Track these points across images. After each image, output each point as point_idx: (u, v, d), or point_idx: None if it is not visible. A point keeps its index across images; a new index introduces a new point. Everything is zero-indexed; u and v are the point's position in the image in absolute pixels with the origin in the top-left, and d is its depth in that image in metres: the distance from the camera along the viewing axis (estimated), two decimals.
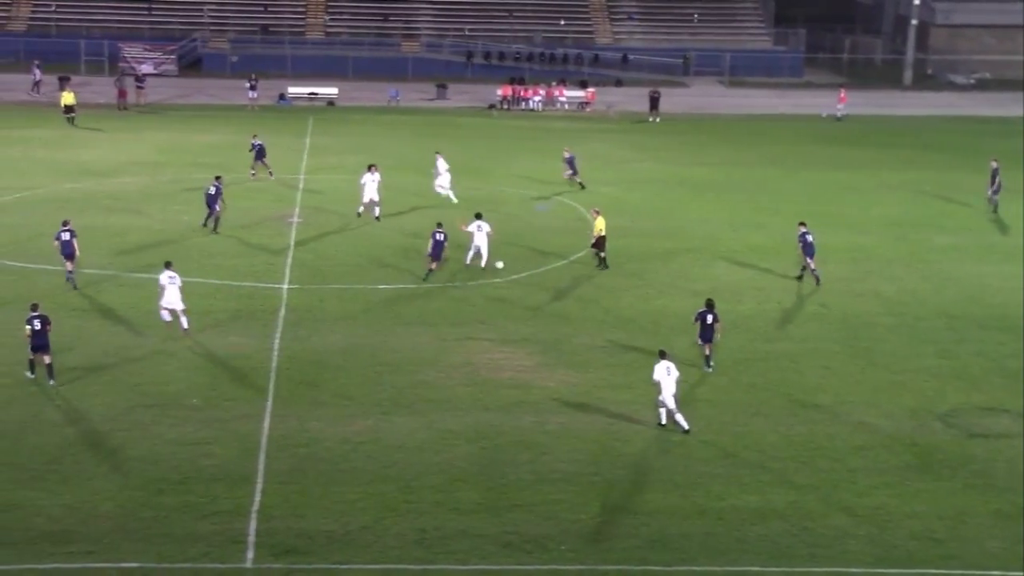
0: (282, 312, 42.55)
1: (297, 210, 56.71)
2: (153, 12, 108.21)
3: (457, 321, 42.23)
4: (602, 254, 48.73)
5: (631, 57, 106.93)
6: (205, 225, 52.55)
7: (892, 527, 29.03)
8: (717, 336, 38.35)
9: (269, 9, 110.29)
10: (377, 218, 55.13)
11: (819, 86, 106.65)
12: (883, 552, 27.96)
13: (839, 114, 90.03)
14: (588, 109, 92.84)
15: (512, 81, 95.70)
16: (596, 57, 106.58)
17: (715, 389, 36.95)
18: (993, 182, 60.13)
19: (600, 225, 48.46)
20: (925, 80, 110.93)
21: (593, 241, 48.84)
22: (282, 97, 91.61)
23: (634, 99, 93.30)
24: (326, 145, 73.38)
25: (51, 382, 35.43)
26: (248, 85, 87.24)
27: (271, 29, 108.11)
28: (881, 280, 48.48)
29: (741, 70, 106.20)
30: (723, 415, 35.02)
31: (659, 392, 33.69)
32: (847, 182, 67.43)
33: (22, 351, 37.09)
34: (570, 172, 63.23)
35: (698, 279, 47.86)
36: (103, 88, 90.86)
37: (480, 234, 47.83)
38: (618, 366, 38.60)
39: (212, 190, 52.31)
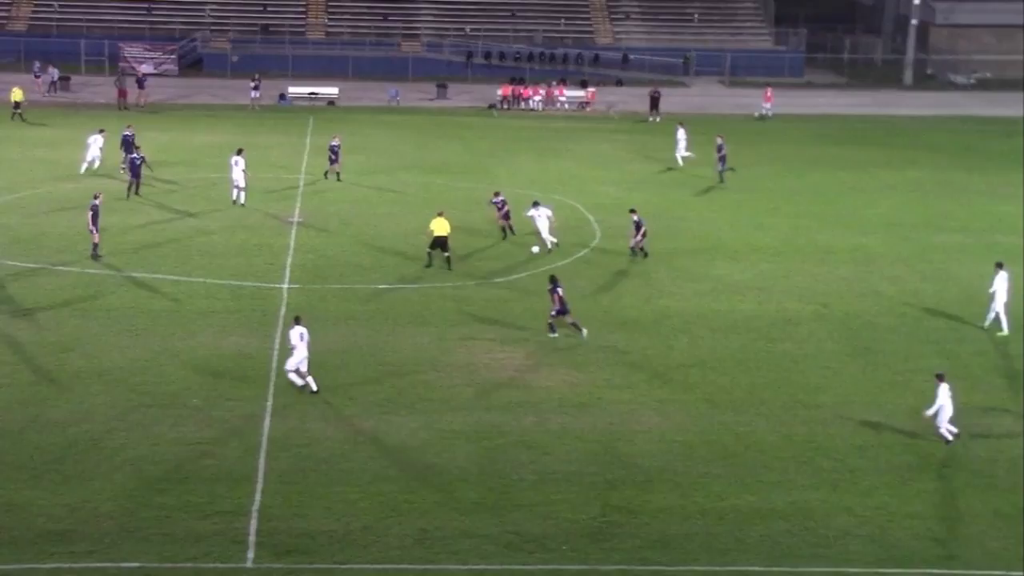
0: (283, 312, 42.52)
1: (298, 210, 56.68)
2: (153, 12, 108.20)
3: (458, 321, 42.21)
4: (446, 254, 47.80)
5: (631, 57, 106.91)
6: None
7: (893, 527, 29.03)
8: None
9: (269, 9, 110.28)
10: (242, 204, 57.01)
11: (820, 86, 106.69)
12: (884, 552, 27.96)
13: (768, 113, 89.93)
14: (588, 109, 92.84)
15: (512, 81, 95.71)
16: (596, 57, 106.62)
17: (716, 389, 36.95)
18: None
19: (439, 226, 47.58)
20: (925, 80, 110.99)
21: (431, 241, 47.72)
22: (282, 97, 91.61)
23: (635, 99, 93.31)
24: (327, 145, 73.23)
25: None
26: (252, 85, 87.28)
27: (272, 29, 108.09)
28: (882, 280, 48.48)
29: (742, 70, 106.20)
30: (724, 415, 35.02)
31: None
32: (848, 181, 67.46)
33: (23, 352, 37.21)
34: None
35: (699, 279, 47.86)
36: (103, 88, 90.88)
37: (541, 219, 49.46)
38: (619, 366, 38.59)
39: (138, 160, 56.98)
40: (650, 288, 46.74)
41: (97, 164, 63.02)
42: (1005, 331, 42.19)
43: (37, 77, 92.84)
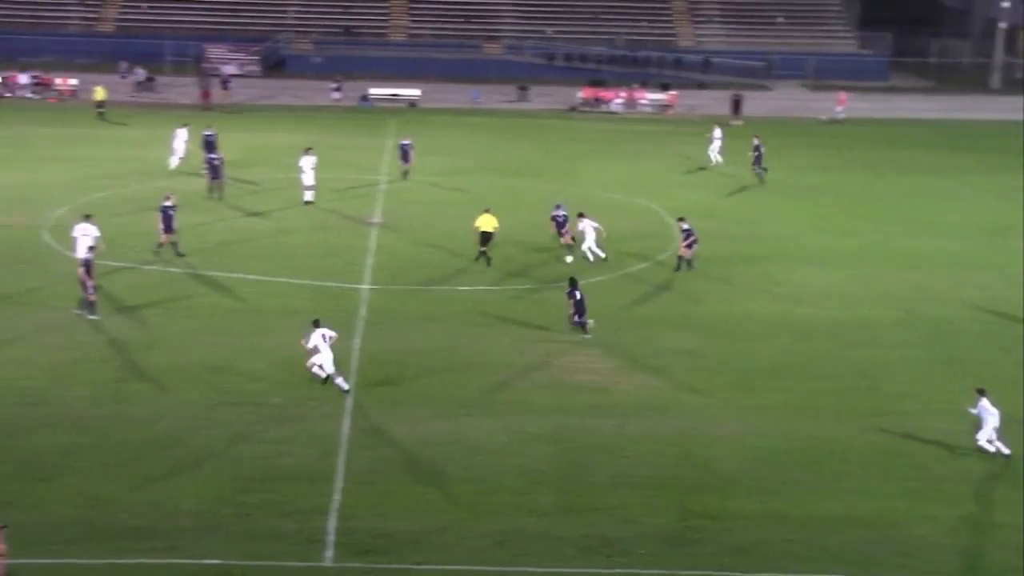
0: (362, 312, 42.68)
1: (378, 211, 56.86)
2: (238, 14, 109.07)
3: (537, 323, 42.13)
4: (482, 249, 48.76)
5: (713, 60, 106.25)
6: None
7: (979, 537, 28.60)
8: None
9: (352, 11, 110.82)
10: (310, 202, 57.47)
11: (905, 90, 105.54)
12: (968, 562, 27.59)
13: (840, 116, 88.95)
14: (669, 112, 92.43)
15: (593, 84, 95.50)
16: (678, 60, 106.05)
17: (797, 394, 36.61)
18: None
19: (486, 222, 48.89)
20: (1014, 84, 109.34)
21: (480, 238, 48.89)
22: (364, 98, 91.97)
23: (716, 102, 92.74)
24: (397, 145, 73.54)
25: None
26: (333, 87, 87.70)
27: (354, 31, 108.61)
28: (968, 286, 47.80)
29: (825, 73, 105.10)
30: (805, 421, 34.69)
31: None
32: (933, 186, 66.69)
33: (109, 349, 37.67)
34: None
35: (782, 283, 47.49)
36: (187, 89, 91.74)
37: (589, 231, 48.77)
38: (699, 370, 38.35)
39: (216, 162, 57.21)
40: (730, 292, 46.42)
41: (179, 160, 63.60)
42: None
43: (123, 77, 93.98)
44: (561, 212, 49.96)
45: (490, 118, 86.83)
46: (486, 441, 32.74)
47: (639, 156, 73.52)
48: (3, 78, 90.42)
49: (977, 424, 32.59)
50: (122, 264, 46.67)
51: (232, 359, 37.91)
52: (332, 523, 28.30)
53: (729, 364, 39.01)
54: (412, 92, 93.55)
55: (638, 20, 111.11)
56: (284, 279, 45.93)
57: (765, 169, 65.80)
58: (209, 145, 62.39)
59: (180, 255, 47.61)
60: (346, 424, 33.49)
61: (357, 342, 39.62)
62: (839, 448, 33.01)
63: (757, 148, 65.90)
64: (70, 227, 46.16)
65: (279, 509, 28.87)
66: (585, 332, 40.71)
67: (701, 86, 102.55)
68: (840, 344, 41.02)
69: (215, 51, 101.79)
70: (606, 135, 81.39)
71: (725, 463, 32.00)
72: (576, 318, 40.84)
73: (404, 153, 63.83)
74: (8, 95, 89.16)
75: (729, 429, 34.01)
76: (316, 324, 36.07)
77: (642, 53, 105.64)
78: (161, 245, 47.67)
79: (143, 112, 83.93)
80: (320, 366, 35.63)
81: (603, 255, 48.98)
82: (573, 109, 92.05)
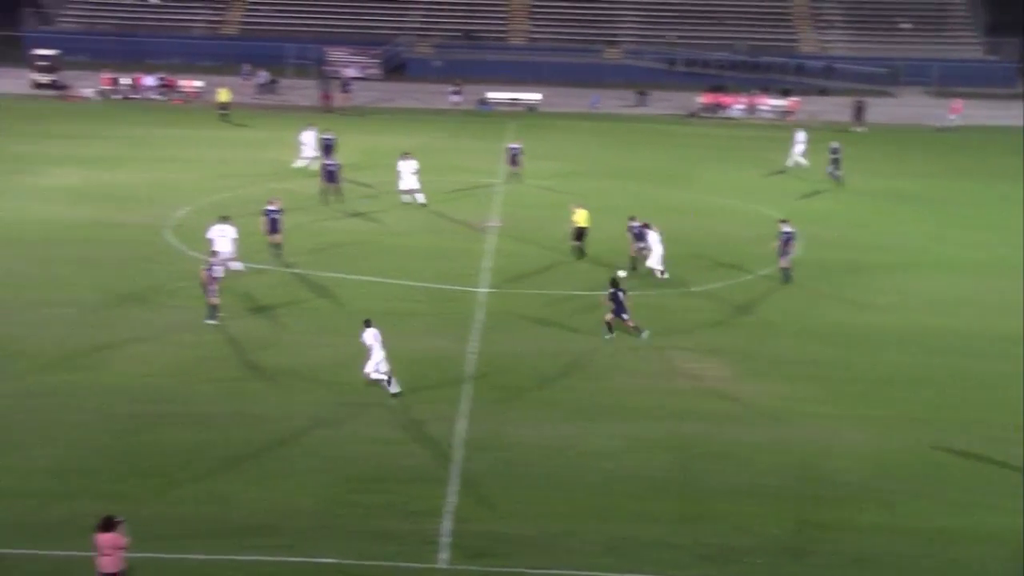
0: (480, 316, 42.71)
1: (495, 215, 56.90)
2: (360, 17, 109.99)
3: (656, 329, 41.84)
4: (576, 243, 50.09)
5: (835, 66, 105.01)
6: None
7: None
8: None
9: (473, 15, 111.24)
10: (422, 203, 57.57)
11: None
12: None
13: (953, 124, 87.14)
14: (790, 118, 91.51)
15: (713, 89, 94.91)
16: (800, 65, 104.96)
17: (923, 407, 35.94)
18: None
19: (580, 217, 50.18)
20: None
21: (574, 234, 50.31)
22: (483, 102, 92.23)
23: (838, 109, 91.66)
24: (526, 150, 73.46)
25: None
26: (452, 90, 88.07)
27: (474, 35, 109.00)
28: None
29: (950, 80, 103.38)
30: (930, 434, 33.99)
31: None
32: None
33: (230, 348, 38.15)
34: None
35: (906, 293, 46.74)
36: (309, 91, 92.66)
37: (656, 244, 47.67)
38: (821, 379, 37.82)
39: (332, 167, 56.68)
40: (855, 301, 45.75)
41: (308, 164, 64.18)
42: None
43: (246, 80, 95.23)
44: (636, 225, 48.55)
45: (609, 123, 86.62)
46: (603, 446, 32.55)
47: (757, 162, 72.81)
48: (130, 80, 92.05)
49: None
50: (244, 265, 47.10)
51: (349, 360, 38.05)
52: (447, 525, 28.29)
53: (851, 374, 38.41)
54: (532, 96, 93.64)
55: (760, 25, 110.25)
56: (400, 282, 46.13)
57: (840, 174, 65.82)
58: (328, 149, 62.90)
59: (278, 258, 47.81)
60: (462, 426, 33.49)
61: (474, 345, 39.65)
62: (964, 461, 32.31)
63: (835, 151, 66.07)
64: (194, 227, 46.79)
65: (394, 510, 28.94)
66: (639, 334, 40.39)
67: (823, 92, 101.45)
68: (968, 355, 40.21)
69: (336, 54, 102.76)
70: (725, 141, 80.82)
71: (845, 474, 31.49)
72: (624, 319, 40.43)
73: (513, 157, 63.89)
74: (135, 96, 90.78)
75: (850, 440, 33.46)
76: (367, 324, 36.15)
77: (763, 58, 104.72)
78: (277, 246, 48.07)
79: (265, 114, 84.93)
80: (377, 370, 35.59)
81: (664, 272, 47.50)
82: (692, 115, 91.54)
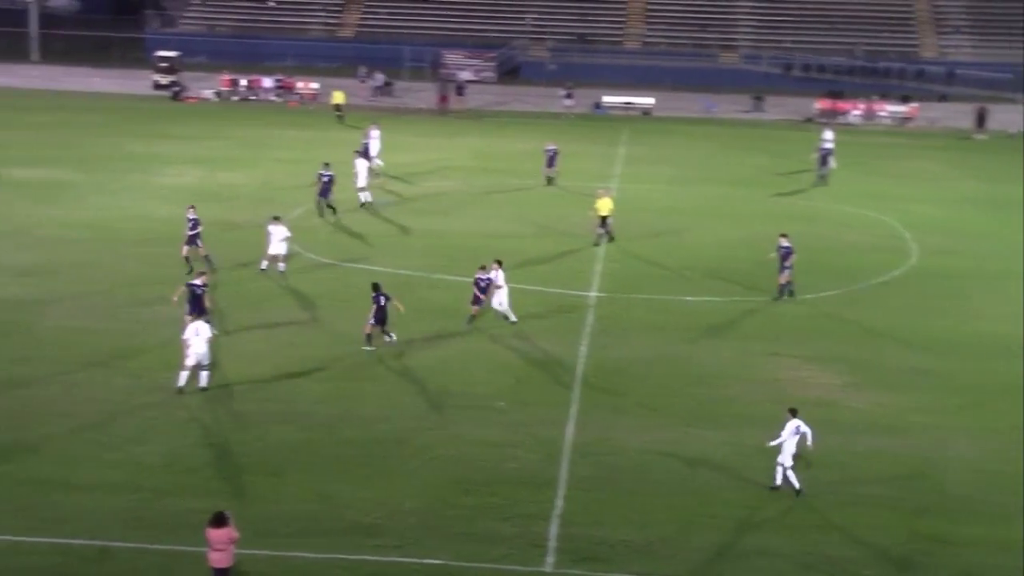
0: (589, 320, 42.70)
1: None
2: (475, 20, 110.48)
3: (765, 336, 41.57)
4: (602, 230, 52.13)
5: (958, 71, 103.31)
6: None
7: None
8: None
9: (588, 18, 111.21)
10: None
11: None
12: None
13: None
14: (909, 125, 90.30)
15: (831, 94, 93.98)
16: (920, 71, 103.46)
17: None
18: None
19: (603, 205, 51.96)
20: None
21: (598, 220, 52.17)
22: (597, 106, 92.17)
23: (959, 115, 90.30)
24: (640, 155, 73.50)
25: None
26: (563, 93, 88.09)
27: (589, 38, 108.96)
28: None
29: None
30: None
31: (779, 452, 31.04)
32: None
33: (336, 348, 38.50)
34: None
35: (1017, 302, 45.84)
36: (424, 94, 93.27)
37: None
38: (931, 389, 37.31)
39: (326, 178, 54.83)
40: (966, 310, 45.10)
41: (380, 163, 64.54)
42: None
43: (362, 82, 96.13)
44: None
45: (723, 128, 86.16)
46: (709, 453, 32.38)
47: (874, 169, 72.03)
48: (248, 81, 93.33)
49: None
50: (341, 263, 47.51)
51: (457, 361, 38.30)
52: (553, 529, 28.31)
53: (959, 384, 37.83)
54: (646, 100, 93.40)
55: (879, 30, 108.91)
56: (513, 284, 46.13)
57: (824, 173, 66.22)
58: (550, 160, 62.62)
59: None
60: (569, 430, 33.50)
61: (583, 349, 39.65)
62: None
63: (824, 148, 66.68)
64: (307, 228, 47.25)
65: (501, 512, 29.02)
66: (390, 337, 39.40)
67: (943, 98, 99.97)
68: None
69: (452, 57, 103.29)
70: (841, 147, 79.66)
71: (956, 486, 31.02)
72: (374, 325, 39.16)
73: (550, 159, 63.35)
74: (253, 98, 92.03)
75: (961, 451, 32.95)
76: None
77: (882, 64, 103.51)
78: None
79: (380, 116, 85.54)
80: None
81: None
82: (809, 120, 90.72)
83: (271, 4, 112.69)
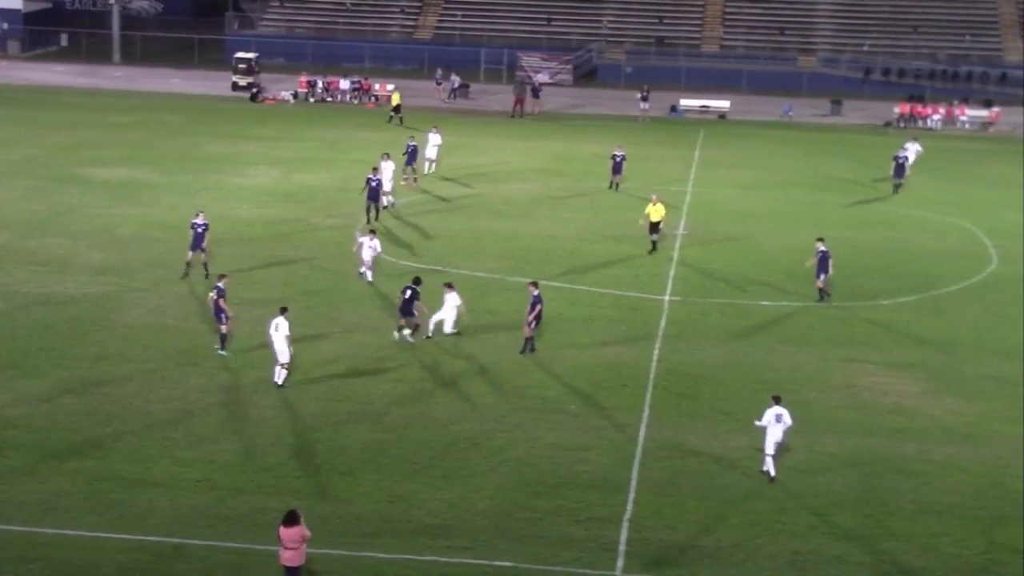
0: (663, 324, 42.52)
1: (683, 222, 56.55)
2: (552, 23, 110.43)
3: (841, 342, 41.21)
4: (653, 237, 50.80)
5: None
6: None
7: None
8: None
9: (665, 21, 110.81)
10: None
11: None
12: None
13: None
14: (992, 130, 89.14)
15: (911, 99, 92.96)
16: (1003, 75, 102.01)
17: None
18: None
19: (655, 211, 50.55)
20: None
21: (648, 227, 50.80)
22: (673, 109, 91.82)
23: None
24: (715, 158, 73.07)
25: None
26: (640, 96, 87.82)
27: (666, 41, 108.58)
28: None
29: None
30: None
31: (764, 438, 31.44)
32: None
33: (412, 350, 38.63)
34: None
35: None
36: (500, 96, 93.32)
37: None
38: (1010, 398, 36.81)
39: (375, 183, 53.78)
40: None
41: (435, 167, 64.44)
42: None
43: (438, 84, 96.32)
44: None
45: (801, 132, 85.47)
46: (784, 459, 32.08)
47: (955, 174, 71.20)
48: (326, 83, 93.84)
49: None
50: (426, 267, 47.58)
51: (530, 364, 38.27)
52: (624, 533, 28.23)
53: None
54: (722, 104, 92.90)
55: (961, 33, 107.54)
56: (585, 287, 46.16)
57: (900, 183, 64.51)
58: (617, 166, 62.32)
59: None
60: (642, 434, 33.39)
61: (656, 353, 39.51)
62: None
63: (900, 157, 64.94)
64: (386, 229, 47.24)
65: (572, 515, 28.96)
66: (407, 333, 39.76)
67: None
68: None
69: (529, 59, 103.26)
70: (921, 152, 78.94)
71: None
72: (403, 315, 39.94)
73: (616, 165, 62.73)
74: (330, 100, 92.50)
75: None
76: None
77: (964, 68, 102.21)
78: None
79: (457, 118, 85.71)
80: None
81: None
82: (888, 124, 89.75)
83: (349, 6, 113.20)
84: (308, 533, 24.55)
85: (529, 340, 39.10)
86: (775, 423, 31.27)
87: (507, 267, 48.39)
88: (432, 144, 65.17)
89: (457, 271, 47.21)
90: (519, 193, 62.03)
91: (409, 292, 39.54)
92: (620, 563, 27.01)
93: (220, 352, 38.00)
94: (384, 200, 55.39)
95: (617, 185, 62.54)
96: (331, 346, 39.33)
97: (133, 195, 58.65)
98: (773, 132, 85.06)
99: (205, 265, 45.58)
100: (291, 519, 24.39)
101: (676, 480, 30.94)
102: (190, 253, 45.52)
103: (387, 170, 55.92)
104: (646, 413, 34.80)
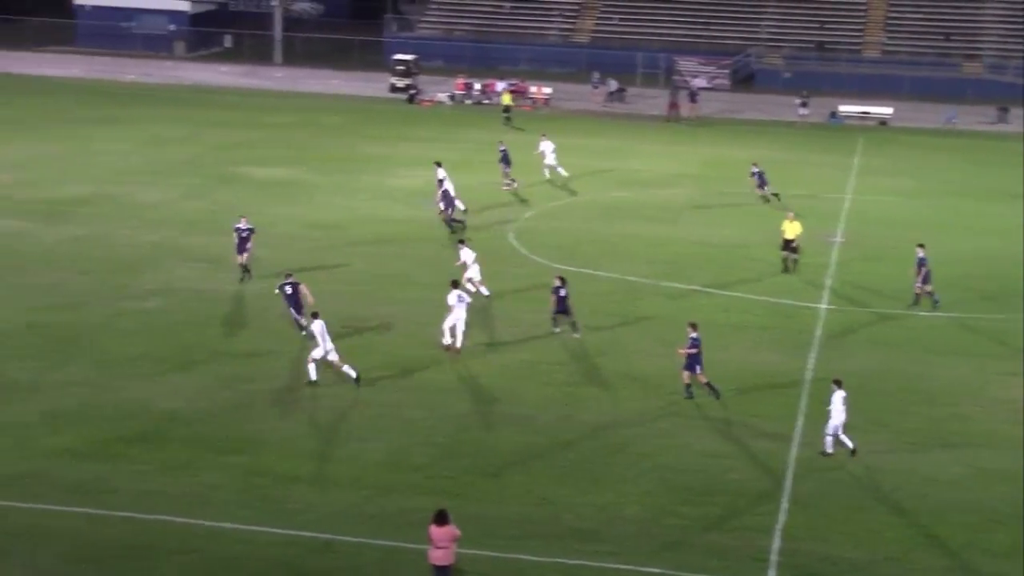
0: (818, 332, 41.92)
1: (840, 230, 55.72)
2: (710, 27, 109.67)
3: (1002, 355, 40.21)
4: (794, 256, 48.99)
5: None
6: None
7: None
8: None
9: (826, 26, 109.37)
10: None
11: None
12: None
13: None
14: None
15: None
16: None
17: None
18: None
19: (790, 228, 48.86)
20: None
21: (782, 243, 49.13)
22: (833, 115, 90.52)
23: None
24: (875, 166, 71.90)
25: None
26: (798, 102, 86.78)
27: (827, 46, 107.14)
28: None
29: None
30: None
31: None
32: None
33: (563, 353, 38.61)
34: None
35: None
36: (656, 100, 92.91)
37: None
38: None
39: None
40: None
41: (551, 173, 63.86)
42: None
43: (595, 88, 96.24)
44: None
45: (964, 140, 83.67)
46: (939, 473, 31.43)
47: None
48: (482, 85, 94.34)
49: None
50: (575, 270, 47.53)
51: (678, 371, 37.93)
52: (776, 543, 27.84)
53: None
54: (883, 110, 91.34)
55: None
56: (740, 294, 45.70)
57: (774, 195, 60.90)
58: (760, 177, 61.60)
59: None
60: (794, 444, 32.92)
61: (811, 362, 38.96)
62: None
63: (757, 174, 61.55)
64: (535, 231, 47.30)
65: (721, 524, 28.67)
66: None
67: None
68: None
69: (686, 64, 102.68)
70: None
71: None
72: (556, 314, 40.37)
73: (760, 179, 61.25)
74: (486, 102, 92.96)
75: None
76: (315, 316, 36.46)
77: None
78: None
79: (613, 122, 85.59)
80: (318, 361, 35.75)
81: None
82: None
83: (507, 9, 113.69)
84: (459, 533, 24.63)
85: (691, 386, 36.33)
86: (842, 405, 31.92)
87: (657, 272, 48.10)
88: (549, 152, 63.95)
89: (608, 274, 47.16)
90: (671, 198, 61.70)
91: (563, 291, 39.68)
92: (772, 574, 26.65)
93: (302, 333, 38.57)
94: (452, 207, 53.97)
95: (768, 197, 60.99)
96: (480, 349, 39.41)
97: (290, 195, 59.54)
98: (936, 140, 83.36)
99: (248, 267, 45.63)
100: (442, 518, 24.48)
101: (829, 491, 30.44)
102: (237, 257, 45.64)
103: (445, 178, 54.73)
104: (799, 422, 34.30)
